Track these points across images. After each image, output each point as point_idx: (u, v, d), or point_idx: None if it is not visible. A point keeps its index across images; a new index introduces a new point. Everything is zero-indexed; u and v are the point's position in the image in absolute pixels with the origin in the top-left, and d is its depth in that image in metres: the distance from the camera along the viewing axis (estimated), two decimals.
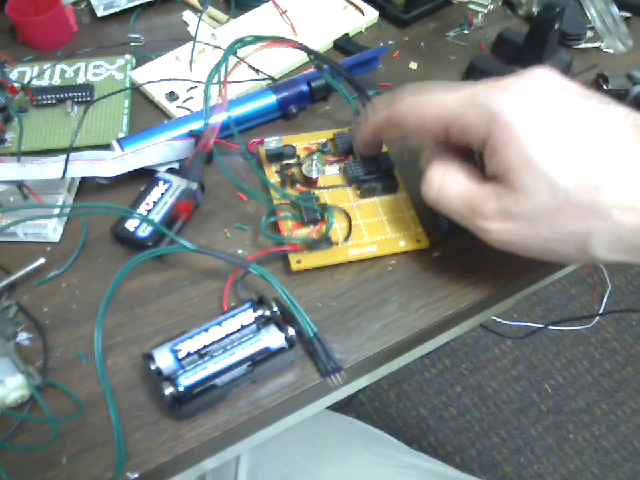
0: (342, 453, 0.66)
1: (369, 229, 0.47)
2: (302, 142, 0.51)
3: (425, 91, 0.41)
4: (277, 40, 0.47)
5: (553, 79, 0.38)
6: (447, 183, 0.40)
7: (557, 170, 0.35)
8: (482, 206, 0.38)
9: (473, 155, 0.42)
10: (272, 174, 0.49)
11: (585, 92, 0.37)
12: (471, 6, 0.65)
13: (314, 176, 0.48)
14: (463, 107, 0.38)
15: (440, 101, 0.40)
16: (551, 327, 1.50)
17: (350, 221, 0.47)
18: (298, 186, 0.48)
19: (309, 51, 0.49)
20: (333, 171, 0.50)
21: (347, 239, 0.46)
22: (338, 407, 1.33)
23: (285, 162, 0.50)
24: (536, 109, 0.36)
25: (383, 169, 0.48)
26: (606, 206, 0.34)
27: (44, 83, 0.57)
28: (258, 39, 0.46)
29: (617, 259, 0.36)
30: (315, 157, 0.48)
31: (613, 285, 1.57)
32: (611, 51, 0.62)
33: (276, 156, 0.49)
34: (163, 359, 0.38)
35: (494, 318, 1.49)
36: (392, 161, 0.49)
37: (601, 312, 1.52)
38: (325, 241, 0.45)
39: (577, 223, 0.35)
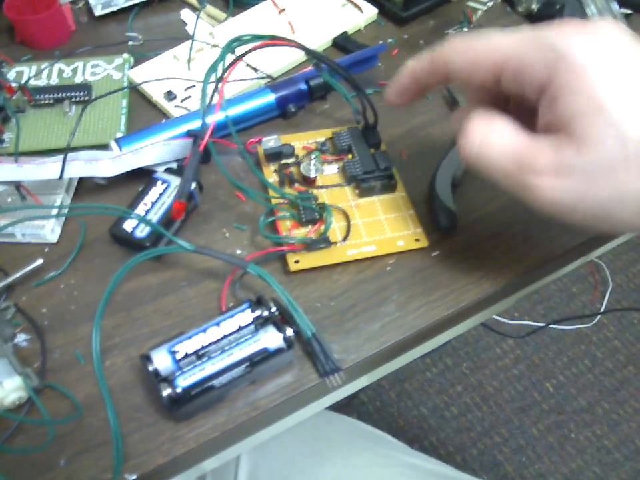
0: (342, 454, 0.66)
1: (368, 228, 0.46)
2: (300, 141, 0.51)
3: (476, 35, 0.37)
4: (275, 39, 0.47)
5: (623, 29, 0.34)
6: (492, 136, 0.36)
7: (630, 120, 0.32)
8: (534, 160, 0.34)
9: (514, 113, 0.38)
10: (270, 173, 0.49)
11: None
12: (470, 3, 0.65)
13: (312, 175, 0.48)
14: (525, 46, 0.35)
15: (497, 40, 0.36)
16: (552, 326, 1.50)
17: (348, 221, 0.46)
18: (296, 185, 0.48)
19: (307, 50, 0.49)
20: (331, 170, 0.50)
21: (345, 238, 0.46)
22: (339, 407, 1.33)
23: (283, 161, 0.50)
24: (609, 53, 0.33)
25: (381, 167, 0.48)
26: None
27: (42, 82, 0.57)
28: (256, 37, 0.46)
29: None
30: (313, 156, 0.48)
31: (614, 283, 1.56)
32: None
33: (274, 155, 0.49)
34: (161, 360, 0.38)
35: (495, 317, 1.49)
36: (390, 160, 0.49)
37: (602, 310, 1.52)
38: (323, 241, 0.45)
39: None
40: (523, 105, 0.37)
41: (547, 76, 0.34)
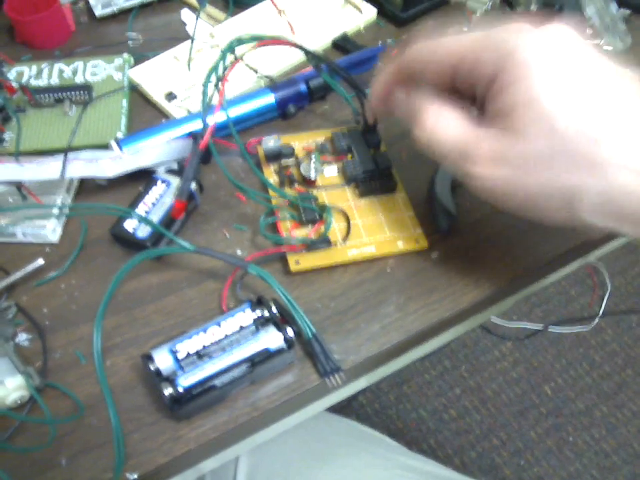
0: (341, 455, 0.66)
1: (368, 229, 0.47)
2: (300, 141, 0.51)
3: (436, 36, 0.40)
4: (275, 40, 0.47)
5: (571, 32, 0.36)
6: (441, 126, 0.39)
7: (560, 114, 0.33)
8: (474, 150, 0.37)
9: (468, 105, 0.40)
10: (270, 174, 0.49)
11: (599, 51, 0.36)
12: (469, 4, 0.65)
13: (312, 176, 0.48)
14: (477, 43, 0.37)
15: (453, 40, 0.38)
16: (550, 329, 1.50)
17: (348, 221, 0.46)
18: (296, 186, 0.48)
19: (307, 51, 0.49)
20: (331, 171, 0.50)
21: (345, 239, 0.46)
22: (338, 409, 1.33)
23: (283, 162, 0.50)
24: (551, 53, 0.35)
25: (381, 168, 0.48)
26: (601, 162, 0.33)
27: (42, 82, 0.57)
28: (256, 38, 0.46)
29: (602, 223, 0.35)
30: (313, 157, 0.48)
31: (612, 286, 1.56)
32: (609, 48, 0.61)
33: (274, 156, 0.49)
34: (162, 360, 0.38)
35: (494, 319, 1.49)
36: (390, 160, 0.49)
37: (600, 314, 1.52)
38: (323, 242, 0.45)
39: (569, 177, 0.34)
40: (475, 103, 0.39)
41: (494, 70, 0.36)
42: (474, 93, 0.39)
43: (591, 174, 0.33)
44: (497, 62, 0.36)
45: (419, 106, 0.41)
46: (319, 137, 0.52)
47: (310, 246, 0.45)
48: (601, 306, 1.53)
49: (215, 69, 0.44)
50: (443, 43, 0.39)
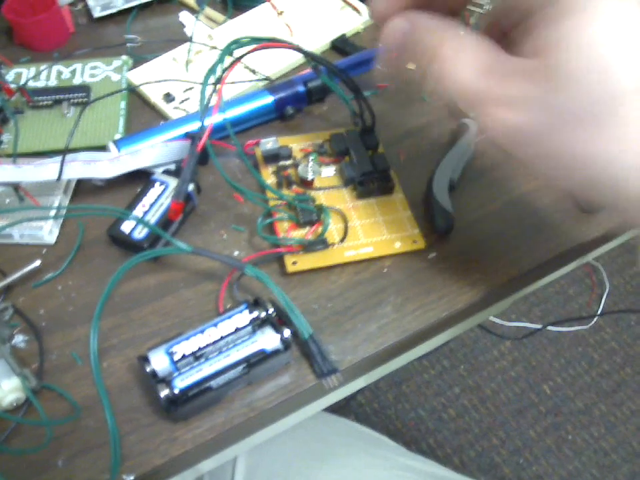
0: (340, 456, 0.66)
1: (365, 230, 0.47)
2: (298, 143, 0.51)
3: None
4: (274, 41, 0.47)
5: None
6: (462, 59, 0.32)
7: (625, 71, 0.27)
8: (502, 83, 0.30)
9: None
10: (268, 175, 0.49)
11: None
12: (467, 6, 0.65)
13: (309, 177, 0.48)
14: None
15: None
16: (549, 328, 1.50)
17: (346, 222, 0.46)
18: (294, 187, 0.48)
19: (305, 53, 0.49)
20: (328, 172, 0.50)
21: (343, 240, 0.46)
22: (336, 409, 1.33)
23: (281, 163, 0.50)
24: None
25: (378, 169, 0.48)
26: None
27: (40, 84, 0.57)
28: (254, 40, 0.46)
29: None
30: (311, 158, 0.48)
31: (611, 285, 1.57)
32: None
33: (272, 157, 0.49)
34: (159, 361, 0.38)
35: (492, 319, 1.49)
36: (388, 162, 0.49)
37: (599, 312, 1.52)
38: (320, 243, 0.45)
39: (622, 146, 0.27)
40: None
41: None
42: (501, 22, 0.33)
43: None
44: None
45: (436, 37, 0.34)
46: (317, 139, 0.52)
47: (307, 247, 0.45)
48: (600, 305, 1.53)
49: (212, 70, 0.44)
50: None
